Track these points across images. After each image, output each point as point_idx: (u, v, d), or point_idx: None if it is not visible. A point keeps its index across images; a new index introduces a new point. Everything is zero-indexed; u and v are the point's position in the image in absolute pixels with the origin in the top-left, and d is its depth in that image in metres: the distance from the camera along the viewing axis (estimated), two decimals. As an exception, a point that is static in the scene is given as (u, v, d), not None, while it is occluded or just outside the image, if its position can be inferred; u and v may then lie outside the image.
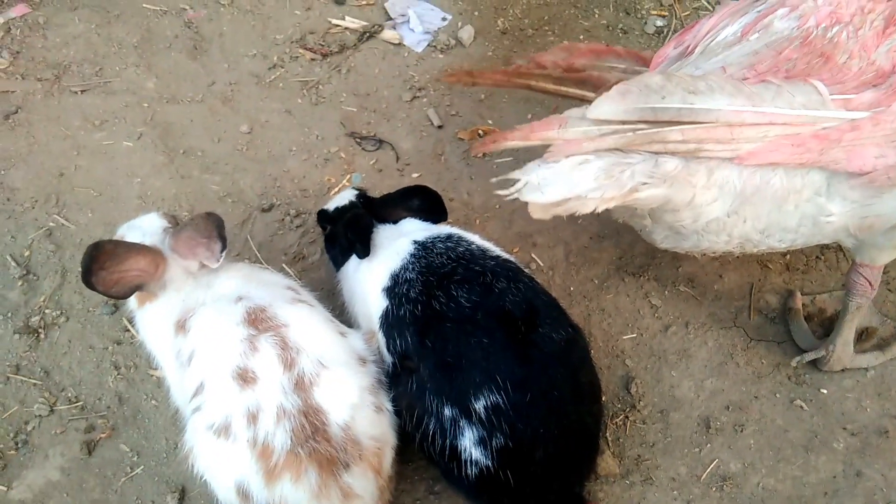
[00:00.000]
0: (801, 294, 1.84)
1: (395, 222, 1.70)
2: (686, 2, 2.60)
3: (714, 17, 1.54)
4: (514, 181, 1.33)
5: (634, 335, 1.82)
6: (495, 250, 1.61)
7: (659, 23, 2.53)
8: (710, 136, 1.29)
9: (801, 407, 1.70)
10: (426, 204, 1.70)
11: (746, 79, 1.34)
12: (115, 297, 1.46)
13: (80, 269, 1.38)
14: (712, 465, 1.63)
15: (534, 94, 2.33)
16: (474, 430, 1.35)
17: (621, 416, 1.71)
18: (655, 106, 1.27)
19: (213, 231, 1.49)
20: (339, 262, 1.74)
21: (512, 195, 1.33)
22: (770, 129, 1.29)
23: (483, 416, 1.34)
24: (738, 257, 1.94)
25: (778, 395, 1.72)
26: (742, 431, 1.67)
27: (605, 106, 1.29)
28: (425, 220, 1.70)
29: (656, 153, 1.31)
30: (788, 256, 1.94)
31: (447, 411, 1.37)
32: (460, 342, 1.39)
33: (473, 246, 1.58)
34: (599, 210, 1.34)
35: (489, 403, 1.34)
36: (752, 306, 1.85)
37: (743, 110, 1.28)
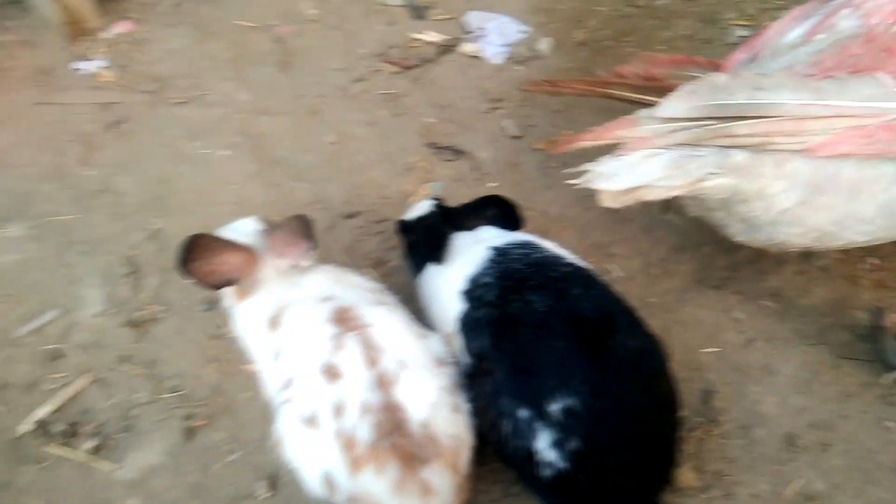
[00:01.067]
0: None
1: (471, 230, 1.75)
2: (770, 11, 2.55)
3: (781, 22, 1.57)
4: (586, 171, 1.43)
5: (716, 349, 1.80)
6: (571, 257, 1.63)
7: (742, 33, 2.49)
8: (776, 130, 1.32)
9: (892, 429, 1.64)
10: (501, 212, 1.74)
11: (812, 75, 1.37)
12: (207, 288, 1.57)
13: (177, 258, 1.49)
14: (796, 484, 1.59)
15: (611, 105, 2.34)
16: (549, 432, 1.38)
17: (701, 430, 1.69)
18: (721, 102, 1.33)
19: (304, 231, 1.60)
20: (418, 269, 1.80)
21: (583, 184, 1.42)
22: (837, 121, 1.31)
23: (558, 419, 1.36)
24: (825, 272, 1.88)
25: (866, 415, 1.66)
26: (828, 451, 1.62)
27: (674, 104, 1.37)
28: (501, 227, 1.74)
29: (725, 147, 1.35)
30: (880, 273, 1.87)
31: (522, 413, 1.39)
32: (534, 346, 1.41)
33: (549, 253, 1.61)
34: (666, 197, 1.40)
35: (565, 406, 1.36)
36: (839, 323, 1.79)
37: (809, 104, 1.31)
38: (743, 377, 1.75)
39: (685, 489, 1.60)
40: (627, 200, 1.42)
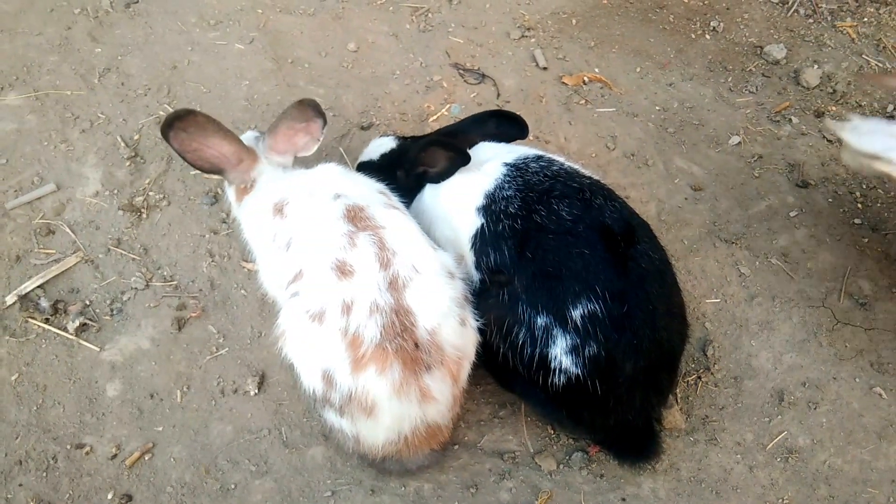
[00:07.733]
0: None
1: (470, 147, 1.66)
2: None
3: None
4: (850, 120, 1.50)
5: (718, 300, 1.80)
6: (585, 171, 1.61)
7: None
8: None
9: (880, 395, 1.67)
10: (504, 125, 1.69)
11: None
12: (190, 164, 1.52)
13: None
14: (780, 437, 1.62)
15: (644, 48, 2.29)
16: (568, 338, 1.37)
17: (694, 376, 1.70)
18: None
19: (310, 113, 1.58)
20: (412, 194, 1.70)
21: (837, 130, 1.53)
22: None
23: (579, 324, 1.36)
24: (835, 238, 1.89)
25: (857, 380, 1.69)
26: (815, 409, 1.65)
27: None
28: (501, 141, 1.69)
29: None
30: (888, 245, 1.88)
31: (540, 320, 1.39)
32: (561, 252, 1.41)
33: (566, 165, 1.59)
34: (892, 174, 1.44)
35: (587, 312, 1.36)
36: (843, 289, 1.81)
37: None
38: (741, 330, 1.76)
39: (671, 430, 1.62)
40: (863, 164, 1.47)
